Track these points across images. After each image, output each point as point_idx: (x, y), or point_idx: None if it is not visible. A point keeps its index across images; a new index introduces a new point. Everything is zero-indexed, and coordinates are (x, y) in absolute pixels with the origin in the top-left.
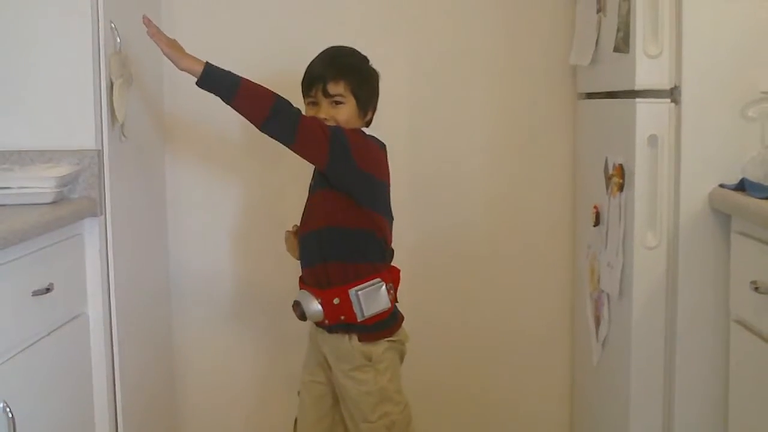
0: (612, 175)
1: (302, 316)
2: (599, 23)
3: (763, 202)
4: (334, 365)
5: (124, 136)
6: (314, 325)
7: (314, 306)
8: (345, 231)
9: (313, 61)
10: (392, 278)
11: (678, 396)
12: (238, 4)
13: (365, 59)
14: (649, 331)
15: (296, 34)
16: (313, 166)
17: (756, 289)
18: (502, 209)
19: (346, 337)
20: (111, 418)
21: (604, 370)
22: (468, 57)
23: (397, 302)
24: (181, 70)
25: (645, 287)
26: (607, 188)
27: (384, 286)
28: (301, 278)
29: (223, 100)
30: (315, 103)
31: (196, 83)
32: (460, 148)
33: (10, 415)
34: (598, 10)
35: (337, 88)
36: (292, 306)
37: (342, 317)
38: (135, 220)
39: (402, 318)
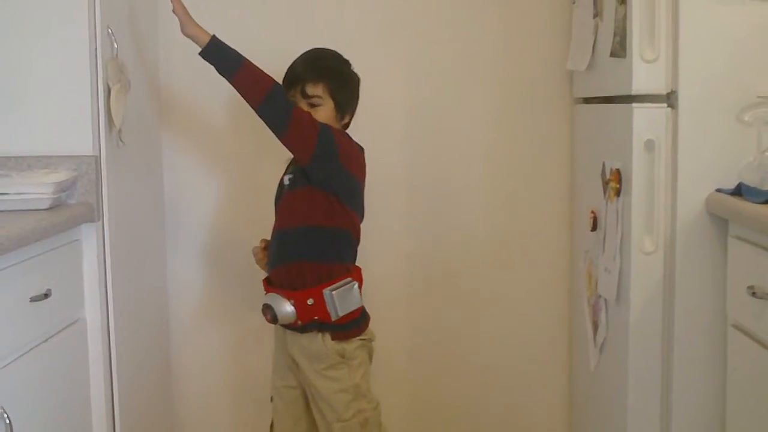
0: (609, 180)
1: (273, 319)
2: (596, 28)
3: (760, 206)
4: (306, 366)
5: (121, 141)
6: (279, 328)
7: (286, 308)
8: (325, 230)
9: (295, 61)
10: (358, 277)
11: (675, 400)
12: (236, 10)
13: (346, 62)
14: (646, 336)
15: (294, 41)
16: (287, 165)
17: (753, 293)
18: (500, 214)
19: (319, 336)
20: (108, 424)
21: (602, 374)
22: (465, 62)
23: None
24: (186, 35)
25: (642, 292)
26: (604, 193)
27: (356, 286)
28: (266, 280)
29: (223, 74)
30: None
31: (200, 53)
32: (458, 153)
33: (8, 421)
34: (595, 15)
35: (315, 90)
36: (262, 309)
37: (316, 317)
38: (133, 226)
39: (369, 318)
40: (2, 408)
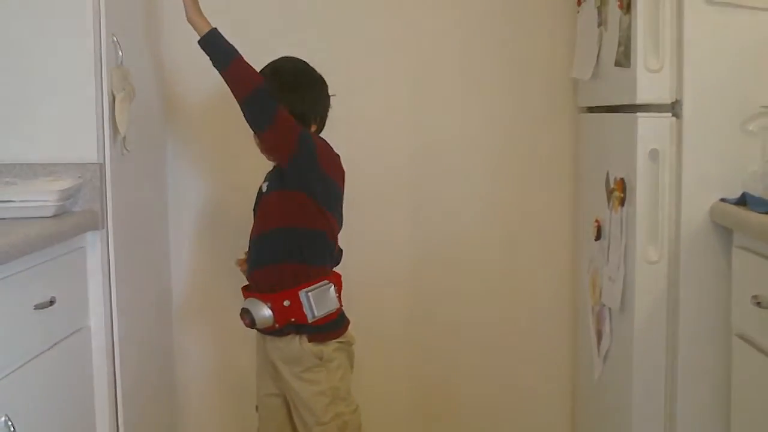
0: (613, 189)
1: (252, 323)
2: (600, 37)
3: (764, 216)
4: (285, 369)
5: (126, 149)
6: (260, 336)
7: (263, 312)
8: (301, 231)
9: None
10: (337, 282)
11: (680, 411)
12: (242, 19)
13: (303, 72)
14: (650, 346)
15: (300, 50)
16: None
17: (758, 303)
18: (503, 223)
19: (297, 338)
20: (112, 431)
21: (606, 384)
22: (469, 71)
23: (343, 306)
24: (188, 21)
25: (646, 301)
26: (608, 202)
27: (332, 288)
28: (245, 287)
29: (216, 64)
30: None
31: (199, 41)
32: (461, 162)
33: (12, 429)
34: (599, 24)
35: None
36: (240, 315)
37: (292, 319)
38: (137, 233)
39: (348, 321)
40: (7, 416)
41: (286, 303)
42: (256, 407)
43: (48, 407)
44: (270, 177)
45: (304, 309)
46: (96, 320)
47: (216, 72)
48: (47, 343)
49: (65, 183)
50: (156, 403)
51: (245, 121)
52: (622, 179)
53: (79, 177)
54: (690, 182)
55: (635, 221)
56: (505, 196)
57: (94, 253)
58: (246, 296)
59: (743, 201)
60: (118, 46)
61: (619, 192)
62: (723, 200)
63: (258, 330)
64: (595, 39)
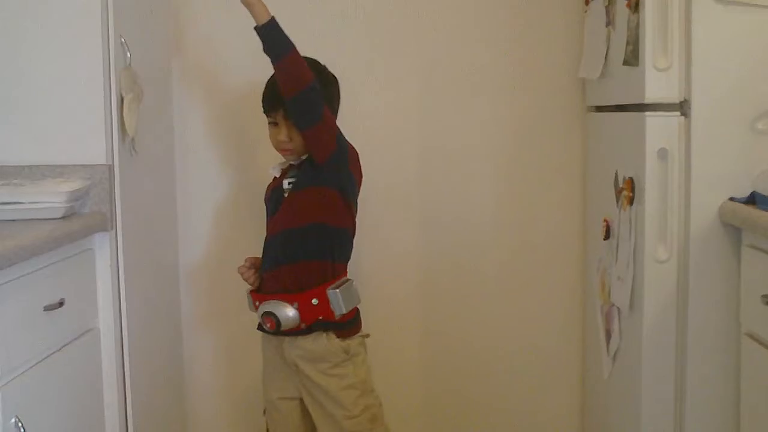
0: (622, 189)
1: (277, 326)
2: (608, 37)
3: None
4: (308, 368)
5: (134, 150)
6: (270, 339)
7: (288, 312)
8: (332, 228)
9: (269, 83)
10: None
11: (689, 410)
12: (247, 17)
13: (322, 71)
14: (659, 345)
15: (306, 51)
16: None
17: (767, 302)
18: (512, 222)
19: (324, 335)
20: None
21: (615, 383)
22: (477, 71)
23: None
24: (245, 3)
25: (656, 301)
26: (617, 202)
27: (354, 283)
28: (256, 290)
29: (270, 53)
30: (276, 124)
31: (257, 27)
32: (470, 161)
33: (22, 430)
34: (608, 24)
35: (269, 110)
36: (263, 318)
37: (320, 317)
38: (146, 235)
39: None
40: (17, 417)
41: (314, 301)
42: (264, 411)
43: (57, 408)
44: (296, 174)
45: (333, 306)
46: (105, 321)
47: (225, 73)
48: (56, 345)
49: (74, 184)
50: (165, 404)
51: (291, 113)
52: (630, 178)
53: (88, 178)
54: (699, 181)
55: (644, 220)
56: (514, 196)
57: (103, 255)
58: (260, 299)
59: (752, 200)
60: (127, 47)
61: (628, 191)
62: (732, 199)
63: (271, 332)
64: (603, 38)
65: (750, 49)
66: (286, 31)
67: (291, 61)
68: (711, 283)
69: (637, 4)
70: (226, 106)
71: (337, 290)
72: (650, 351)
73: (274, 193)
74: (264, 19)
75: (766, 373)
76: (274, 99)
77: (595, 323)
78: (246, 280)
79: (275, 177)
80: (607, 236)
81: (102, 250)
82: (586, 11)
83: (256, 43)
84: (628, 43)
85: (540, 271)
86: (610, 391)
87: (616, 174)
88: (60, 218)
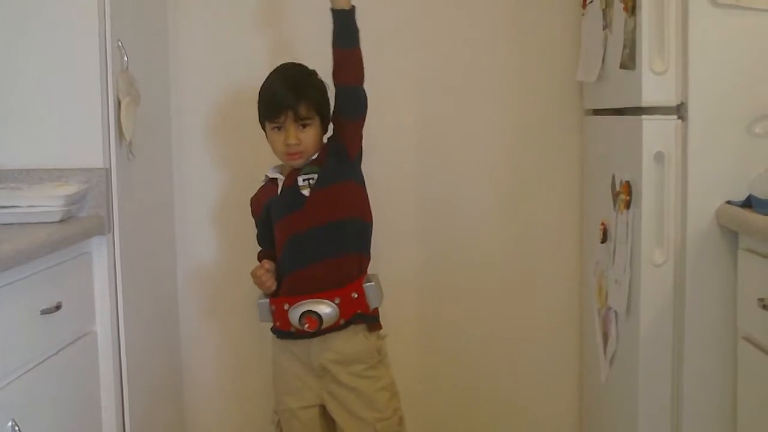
0: (619, 192)
1: (319, 326)
2: (605, 40)
3: None
4: (341, 371)
5: (131, 154)
6: (289, 344)
7: (327, 309)
8: (363, 222)
9: (272, 85)
10: None
11: (686, 413)
12: (244, 21)
13: (316, 73)
14: (656, 348)
15: (305, 52)
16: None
17: (764, 306)
18: (510, 226)
19: (360, 332)
20: None
21: (612, 387)
22: (475, 74)
23: None
24: None
25: (652, 304)
26: (614, 205)
27: (378, 277)
28: (273, 294)
29: (350, 38)
30: (280, 128)
31: (343, 10)
32: (468, 165)
33: None
34: (605, 27)
35: (308, 112)
36: (303, 319)
37: (359, 311)
38: (143, 238)
39: None
40: (13, 420)
41: (354, 295)
42: (278, 422)
43: (54, 412)
44: (316, 171)
45: (369, 300)
46: (102, 325)
47: (222, 77)
48: (53, 348)
49: (71, 188)
50: (163, 408)
51: (347, 102)
52: (627, 182)
53: (85, 182)
54: (696, 185)
55: (641, 224)
56: (511, 199)
57: (101, 258)
58: (290, 301)
59: (749, 203)
60: (124, 51)
61: (625, 194)
62: (729, 203)
63: (308, 334)
64: (600, 42)
65: (746, 53)
66: (284, 31)
67: (360, 51)
68: (708, 286)
69: (633, 8)
70: (224, 110)
71: (372, 283)
72: (647, 354)
73: (286, 194)
74: (349, 4)
75: (762, 377)
76: (281, 102)
77: (592, 326)
78: (262, 284)
79: (272, 179)
80: (604, 239)
81: (99, 254)
82: (583, 14)
83: (253, 47)
84: (624, 46)
85: (537, 274)
86: (607, 395)
87: (613, 177)
88: (57, 222)
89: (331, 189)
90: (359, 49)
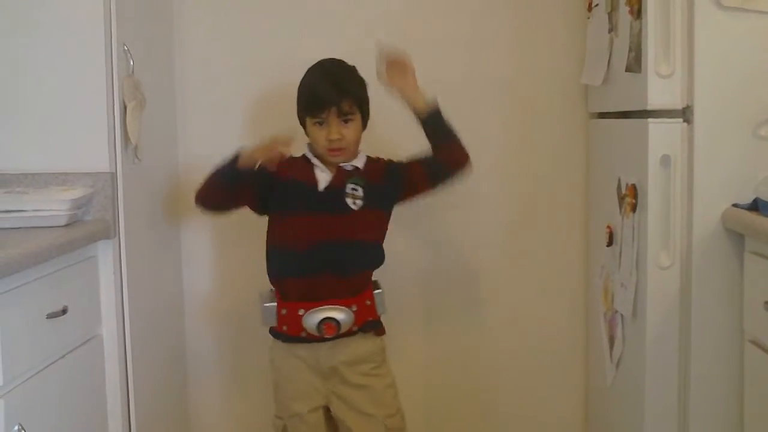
0: (625, 195)
1: (338, 331)
2: (611, 43)
3: None
4: (351, 371)
5: (137, 158)
6: (295, 348)
7: (344, 316)
8: (381, 246)
9: (315, 81)
10: None
11: (693, 416)
12: (249, 27)
13: (356, 69)
14: (663, 352)
15: (308, 58)
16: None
17: None
18: (515, 229)
19: (369, 334)
20: None
21: (619, 390)
22: (480, 77)
23: None
24: (406, 97)
25: (659, 307)
26: (620, 208)
27: None
28: (291, 296)
29: (445, 137)
30: (322, 123)
31: (424, 116)
32: (473, 168)
33: None
34: (610, 30)
35: (351, 108)
36: (323, 326)
37: (369, 318)
38: (148, 242)
39: None
40: (20, 424)
41: (367, 302)
42: (282, 427)
43: (61, 416)
44: (366, 188)
45: (378, 307)
46: (108, 329)
47: (227, 81)
48: (60, 352)
49: (77, 192)
50: (169, 411)
51: (443, 177)
52: (633, 185)
53: (91, 186)
54: (702, 188)
55: (647, 227)
56: (517, 202)
57: (106, 262)
58: (305, 307)
59: (755, 206)
60: (129, 55)
61: (631, 198)
62: (735, 205)
63: (325, 339)
64: (605, 45)
65: (752, 56)
66: (287, 33)
67: (457, 142)
68: (714, 289)
69: (639, 11)
70: (229, 114)
71: (381, 290)
72: (653, 358)
73: (330, 194)
74: (428, 107)
75: None
76: (324, 98)
77: (598, 330)
78: (272, 154)
79: (309, 164)
80: (610, 243)
81: (105, 258)
82: (588, 18)
83: (259, 51)
84: (630, 49)
85: (543, 277)
86: (613, 398)
87: (619, 181)
88: (63, 226)
89: (377, 214)
90: (456, 140)
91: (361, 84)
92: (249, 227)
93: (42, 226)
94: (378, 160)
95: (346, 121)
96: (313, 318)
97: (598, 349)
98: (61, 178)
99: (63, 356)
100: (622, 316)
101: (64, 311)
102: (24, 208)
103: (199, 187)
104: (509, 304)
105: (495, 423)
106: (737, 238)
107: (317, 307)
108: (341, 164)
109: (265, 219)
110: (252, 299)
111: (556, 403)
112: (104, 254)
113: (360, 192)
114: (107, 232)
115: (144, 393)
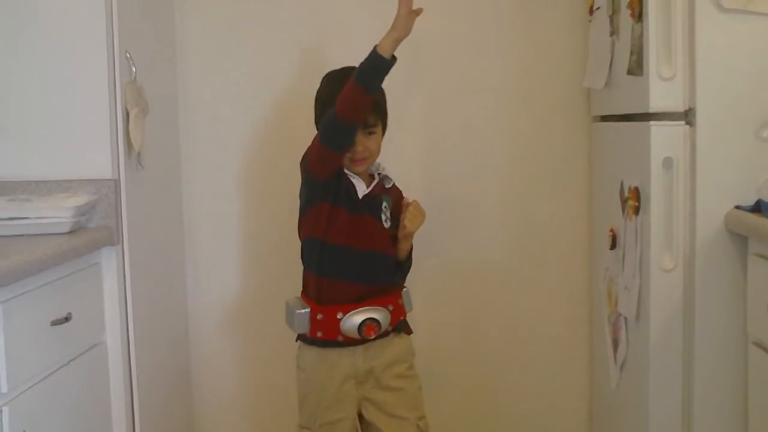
0: (627, 198)
1: (378, 330)
2: (613, 46)
3: None
4: (386, 374)
5: (140, 164)
6: (329, 354)
7: (383, 316)
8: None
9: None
10: None
11: (697, 419)
12: (251, 33)
13: None
14: (667, 354)
15: (311, 61)
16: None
17: None
18: (519, 233)
19: (402, 334)
20: None
21: (623, 393)
22: (482, 81)
23: None
24: (395, 40)
25: (662, 310)
26: (623, 211)
27: None
28: (324, 300)
29: (371, 84)
30: (372, 134)
31: (381, 54)
32: (476, 171)
33: None
34: (612, 33)
35: (374, 120)
36: (367, 326)
37: (401, 317)
38: (152, 249)
39: None
40: (25, 431)
41: (400, 302)
42: None
43: (65, 422)
44: (391, 204)
45: (406, 305)
46: (112, 335)
47: (230, 87)
48: (64, 359)
49: (80, 199)
50: (173, 417)
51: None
52: (636, 188)
53: (95, 193)
54: (704, 190)
55: (650, 230)
56: (520, 206)
57: (110, 269)
58: (344, 310)
59: (758, 208)
60: (132, 62)
61: (634, 201)
62: (738, 207)
63: (365, 340)
64: (607, 48)
65: (754, 57)
66: (291, 41)
67: (364, 93)
68: (717, 291)
69: (640, 14)
70: (232, 120)
71: (407, 288)
72: (657, 360)
73: (368, 202)
74: (390, 53)
75: None
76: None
77: (602, 333)
78: (411, 21)
79: (353, 183)
80: (613, 246)
81: (109, 265)
82: (590, 21)
83: (262, 57)
84: (632, 52)
85: (546, 281)
86: (617, 401)
87: (622, 183)
88: (67, 233)
89: (391, 237)
90: (364, 90)
91: (383, 96)
92: (252, 235)
93: (46, 234)
94: (399, 191)
95: (370, 134)
96: (352, 320)
97: (602, 351)
98: (65, 186)
99: (67, 363)
100: (625, 318)
101: (68, 318)
102: (28, 216)
103: (342, 99)
104: (513, 307)
105: (500, 426)
106: (740, 240)
107: (356, 309)
108: (380, 178)
109: (265, 230)
110: (257, 307)
111: (560, 406)
112: (108, 261)
113: (389, 213)
114: (111, 238)
115: (148, 399)
